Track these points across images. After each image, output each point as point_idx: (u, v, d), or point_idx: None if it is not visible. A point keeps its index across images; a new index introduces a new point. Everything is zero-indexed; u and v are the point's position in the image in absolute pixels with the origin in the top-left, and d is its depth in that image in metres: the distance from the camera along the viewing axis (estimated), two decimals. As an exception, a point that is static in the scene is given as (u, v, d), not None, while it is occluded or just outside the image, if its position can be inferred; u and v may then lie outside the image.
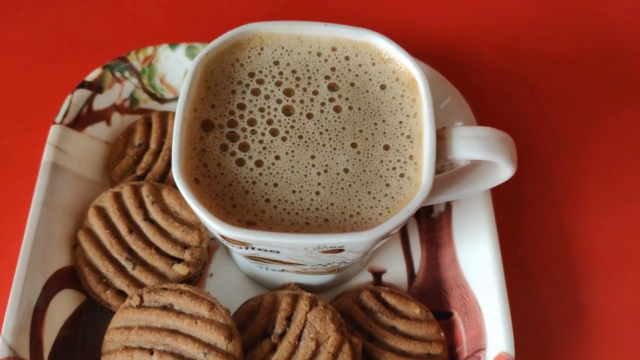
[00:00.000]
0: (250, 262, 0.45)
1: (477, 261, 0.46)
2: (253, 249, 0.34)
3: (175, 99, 0.54)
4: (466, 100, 0.51)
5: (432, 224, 0.50)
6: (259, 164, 0.35)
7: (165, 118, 0.52)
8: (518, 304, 0.45)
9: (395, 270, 0.49)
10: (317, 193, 0.35)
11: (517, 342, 0.42)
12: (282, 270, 0.44)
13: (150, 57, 0.52)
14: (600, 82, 0.61)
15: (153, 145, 0.51)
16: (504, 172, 0.37)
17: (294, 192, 0.35)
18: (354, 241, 0.32)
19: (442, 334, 0.45)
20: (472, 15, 0.64)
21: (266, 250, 0.34)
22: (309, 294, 0.43)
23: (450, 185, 0.41)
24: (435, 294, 0.48)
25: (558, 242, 0.52)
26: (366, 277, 0.48)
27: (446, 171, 0.43)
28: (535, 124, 0.58)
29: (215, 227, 0.32)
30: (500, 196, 0.50)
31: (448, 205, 0.50)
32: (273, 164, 0.35)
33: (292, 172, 0.35)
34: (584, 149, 0.57)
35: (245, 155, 0.35)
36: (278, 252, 0.34)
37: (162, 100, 0.54)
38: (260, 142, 0.36)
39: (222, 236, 0.33)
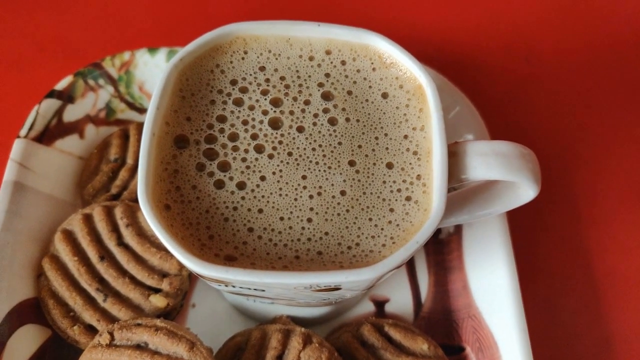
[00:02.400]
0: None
1: (492, 289, 0.41)
2: (234, 286, 0.29)
3: (156, 108, 0.49)
4: (476, 107, 0.46)
5: (440, 246, 0.45)
6: (241, 186, 0.30)
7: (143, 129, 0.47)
8: (539, 338, 0.40)
9: (399, 299, 0.44)
10: (309, 220, 0.30)
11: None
12: (272, 303, 0.39)
13: (128, 63, 0.47)
14: (619, 83, 0.56)
15: (130, 160, 0.46)
16: (526, 193, 0.32)
17: (281, 219, 0.30)
18: (353, 280, 0.27)
19: (453, 373, 0.40)
20: (480, 15, 0.59)
21: (249, 289, 0.29)
22: (303, 329, 0.38)
23: (462, 206, 0.36)
24: (445, 326, 0.43)
25: (581, 263, 0.47)
26: (367, 307, 0.43)
27: (457, 189, 0.38)
28: (551, 131, 0.53)
29: (188, 264, 0.27)
30: (516, 214, 0.44)
31: (458, 226, 0.45)
32: (258, 185, 0.30)
33: (280, 195, 0.30)
34: (606, 158, 0.52)
35: (225, 175, 0.30)
36: (263, 290, 0.29)
37: (141, 110, 0.49)
38: (243, 160, 0.31)
39: (197, 274, 0.28)
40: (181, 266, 0.41)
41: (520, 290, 0.40)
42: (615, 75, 0.57)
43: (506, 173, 0.30)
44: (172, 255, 0.40)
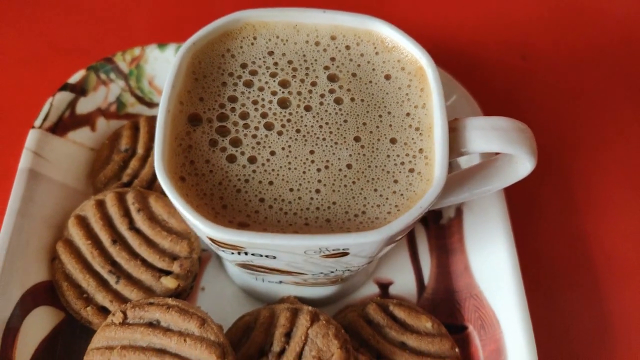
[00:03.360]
0: (245, 274, 0.41)
1: (493, 269, 0.42)
2: (246, 254, 0.30)
3: (165, 102, 0.51)
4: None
5: (441, 230, 0.47)
6: (252, 160, 0.32)
7: (153, 122, 0.49)
8: (538, 315, 0.41)
9: (403, 281, 0.45)
10: (318, 191, 0.31)
11: (540, 353, 0.38)
12: (280, 282, 0.40)
13: (138, 58, 0.49)
14: (611, 78, 0.58)
15: (140, 150, 0.47)
16: (523, 166, 0.34)
17: (291, 190, 0.31)
18: (361, 242, 0.28)
19: (456, 349, 0.41)
20: (477, 13, 0.61)
21: (261, 256, 0.30)
22: (310, 308, 0.39)
23: (462, 185, 0.38)
24: (448, 306, 0.44)
25: (579, 247, 0.48)
26: (372, 289, 0.45)
27: (457, 170, 0.40)
28: (546, 123, 0.55)
29: (203, 228, 0.28)
30: (514, 200, 0.46)
31: (458, 210, 0.46)
32: (268, 160, 0.32)
33: (289, 168, 0.32)
34: (601, 149, 0.54)
35: (236, 151, 0.32)
36: (275, 257, 0.30)
37: (150, 104, 0.51)
38: (254, 136, 0.32)
39: (211, 239, 0.29)
40: (191, 249, 0.42)
41: (520, 269, 0.41)
42: (609, 72, 0.59)
43: (504, 145, 0.31)
44: (182, 239, 0.42)
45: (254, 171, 0.31)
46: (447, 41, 0.58)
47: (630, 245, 0.48)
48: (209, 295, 0.44)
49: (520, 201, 0.48)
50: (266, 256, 0.30)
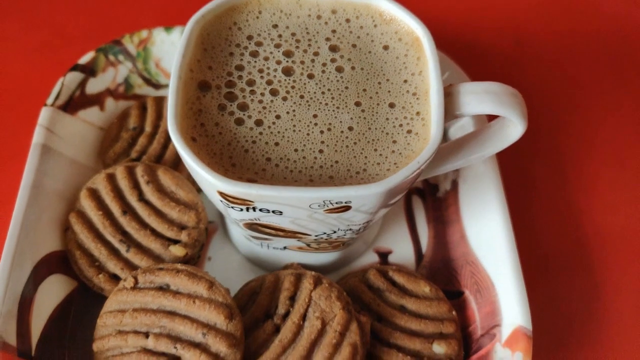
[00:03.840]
0: (250, 242, 0.43)
1: (488, 236, 0.44)
2: (254, 210, 0.32)
3: (171, 84, 0.53)
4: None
5: (438, 203, 0.49)
6: (258, 123, 0.34)
7: (160, 102, 0.51)
8: (531, 279, 0.43)
9: (401, 251, 0.47)
10: (321, 151, 0.33)
11: (533, 316, 0.39)
12: (284, 248, 0.42)
13: (145, 40, 0.51)
14: (601, 63, 0.60)
15: (148, 128, 0.49)
16: (515, 129, 0.36)
17: (296, 150, 0.33)
18: (362, 194, 0.30)
19: (453, 312, 0.42)
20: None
21: (268, 211, 0.32)
22: (313, 273, 0.40)
23: (458, 152, 0.40)
24: (445, 273, 0.45)
25: (570, 219, 0.50)
26: (372, 258, 0.46)
27: (452, 139, 0.42)
28: (538, 105, 0.57)
29: (215, 182, 0.30)
30: (508, 176, 0.48)
31: (454, 183, 0.48)
32: (274, 123, 0.34)
33: (294, 131, 0.34)
34: (590, 129, 0.56)
35: (244, 114, 0.34)
36: (281, 212, 0.32)
37: (157, 86, 0.53)
38: (260, 102, 0.34)
39: (222, 194, 0.31)
40: (198, 219, 0.44)
41: (514, 237, 0.43)
42: (599, 57, 0.61)
43: (496, 107, 0.33)
44: (189, 209, 0.44)
45: (260, 133, 0.33)
46: (442, 26, 0.60)
47: (618, 217, 0.50)
48: (215, 264, 0.45)
49: (513, 176, 0.50)
50: (273, 212, 0.32)
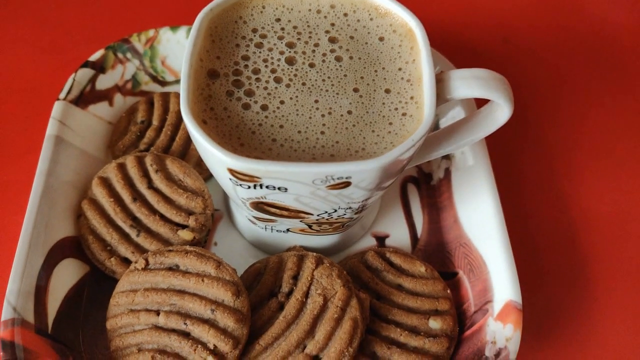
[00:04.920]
0: (255, 224, 0.45)
1: (479, 219, 0.46)
2: (261, 187, 0.34)
3: (176, 81, 0.55)
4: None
5: (432, 190, 0.51)
6: (264, 107, 0.36)
7: (167, 97, 0.53)
8: (521, 260, 0.46)
9: (398, 235, 0.49)
10: (322, 133, 0.35)
11: (523, 291, 0.42)
12: (287, 231, 0.44)
13: (152, 39, 0.54)
14: (586, 59, 0.63)
15: (155, 122, 0.52)
16: (502, 113, 0.39)
17: (299, 132, 0.35)
18: (362, 169, 0.32)
19: (448, 290, 0.45)
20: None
21: (274, 188, 0.35)
22: (315, 254, 0.43)
23: (450, 137, 0.42)
24: (439, 256, 0.48)
25: (557, 204, 0.53)
26: (370, 242, 0.49)
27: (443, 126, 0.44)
28: (526, 99, 0.60)
29: (226, 158, 0.32)
30: (498, 164, 0.51)
31: (447, 171, 0.51)
32: (278, 107, 0.36)
33: (297, 115, 0.36)
34: (577, 121, 0.59)
35: (250, 100, 0.36)
36: (286, 189, 0.34)
37: (163, 82, 0.55)
38: (265, 88, 0.37)
39: (231, 171, 0.33)
40: (205, 205, 0.46)
41: (504, 219, 0.45)
42: (583, 54, 0.64)
43: (484, 91, 0.36)
44: (197, 196, 0.46)
45: (266, 117, 0.36)
46: (433, 23, 0.63)
47: (604, 203, 0.53)
48: (221, 249, 0.48)
49: (503, 165, 0.53)
50: (278, 188, 0.35)
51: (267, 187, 0.35)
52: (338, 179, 0.33)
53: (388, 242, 0.49)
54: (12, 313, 0.39)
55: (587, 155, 0.56)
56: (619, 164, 0.56)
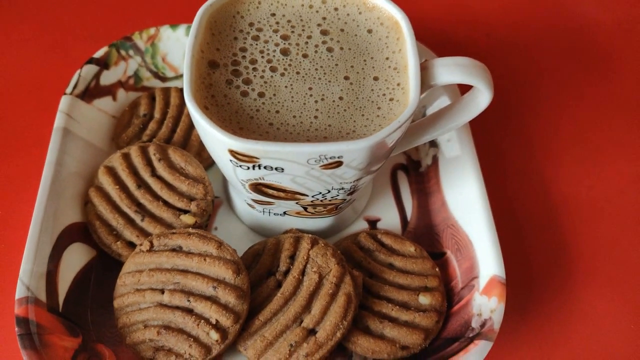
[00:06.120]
0: (253, 208, 0.48)
1: (465, 201, 0.49)
2: (260, 167, 0.37)
3: (176, 77, 0.58)
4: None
5: (420, 177, 0.54)
6: (261, 95, 0.39)
7: (168, 92, 0.56)
8: (505, 238, 0.48)
9: (389, 218, 0.52)
10: (316, 117, 0.38)
11: (507, 266, 0.45)
12: (284, 214, 0.47)
13: (153, 36, 0.57)
14: (565, 54, 0.66)
15: (157, 115, 0.54)
16: (483, 98, 0.41)
17: (294, 117, 0.38)
18: (352, 148, 0.35)
19: (436, 269, 0.47)
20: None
21: (272, 169, 0.37)
22: (310, 235, 0.45)
23: (434, 125, 0.45)
24: (428, 237, 0.51)
25: (538, 189, 0.56)
26: (362, 225, 0.51)
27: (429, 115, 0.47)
28: (508, 89, 0.63)
29: (227, 140, 0.35)
30: (484, 154, 0.54)
31: (434, 158, 0.53)
32: (274, 95, 0.39)
33: (292, 101, 0.39)
34: (556, 111, 0.62)
35: (248, 88, 0.39)
36: (283, 169, 0.37)
37: (164, 78, 0.58)
38: (262, 77, 0.40)
39: (232, 152, 0.36)
40: (206, 192, 0.48)
41: (488, 201, 0.48)
42: (562, 48, 0.67)
43: (465, 77, 0.39)
44: (198, 183, 0.49)
45: (263, 103, 0.39)
46: (419, 20, 0.66)
47: (582, 187, 0.56)
48: (221, 233, 0.50)
49: (487, 152, 0.56)
50: (275, 169, 0.37)
51: (265, 167, 0.37)
52: (330, 158, 0.36)
53: (379, 225, 0.52)
54: (25, 292, 0.41)
55: (566, 143, 0.59)
56: (595, 150, 0.59)
